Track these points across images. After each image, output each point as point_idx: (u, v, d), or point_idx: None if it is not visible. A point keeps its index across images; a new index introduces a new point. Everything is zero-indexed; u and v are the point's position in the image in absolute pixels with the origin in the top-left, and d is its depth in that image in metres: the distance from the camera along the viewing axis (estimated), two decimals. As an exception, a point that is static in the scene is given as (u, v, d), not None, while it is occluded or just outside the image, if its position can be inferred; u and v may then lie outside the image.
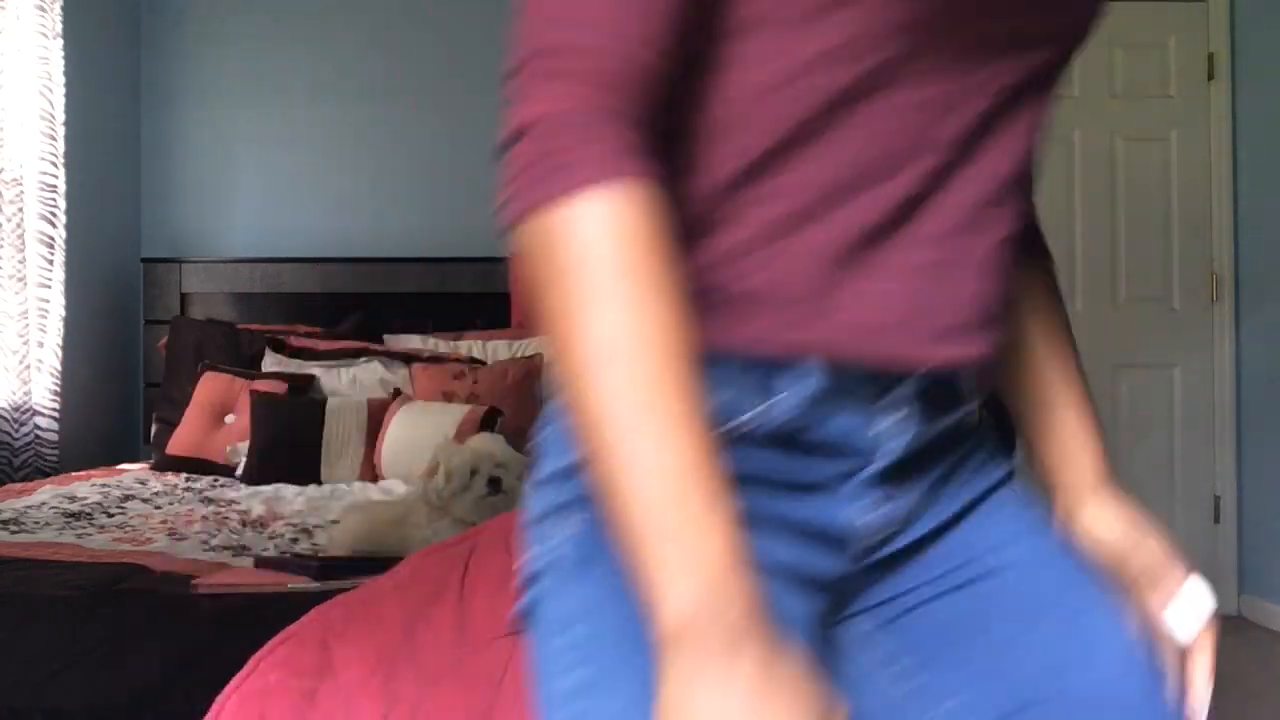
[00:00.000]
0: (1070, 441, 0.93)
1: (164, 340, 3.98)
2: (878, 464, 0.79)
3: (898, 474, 0.81)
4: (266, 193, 4.36)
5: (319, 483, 3.30)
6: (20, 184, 3.51)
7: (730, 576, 0.61)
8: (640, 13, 0.66)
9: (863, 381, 0.76)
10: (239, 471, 3.38)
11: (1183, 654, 0.86)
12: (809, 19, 0.68)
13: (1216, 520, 4.30)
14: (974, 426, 0.89)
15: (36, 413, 3.55)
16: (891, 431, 0.79)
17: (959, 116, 0.73)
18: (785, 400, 0.74)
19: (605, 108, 0.65)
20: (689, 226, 0.72)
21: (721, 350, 0.72)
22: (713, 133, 0.72)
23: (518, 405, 3.51)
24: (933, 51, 0.70)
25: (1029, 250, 0.94)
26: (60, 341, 3.65)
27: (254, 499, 2.99)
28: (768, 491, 0.76)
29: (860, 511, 0.80)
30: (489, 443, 2.27)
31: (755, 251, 0.73)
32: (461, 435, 3.08)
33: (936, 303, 0.76)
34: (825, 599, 0.80)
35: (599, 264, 0.62)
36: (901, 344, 0.75)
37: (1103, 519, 0.91)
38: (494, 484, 2.19)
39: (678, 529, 0.61)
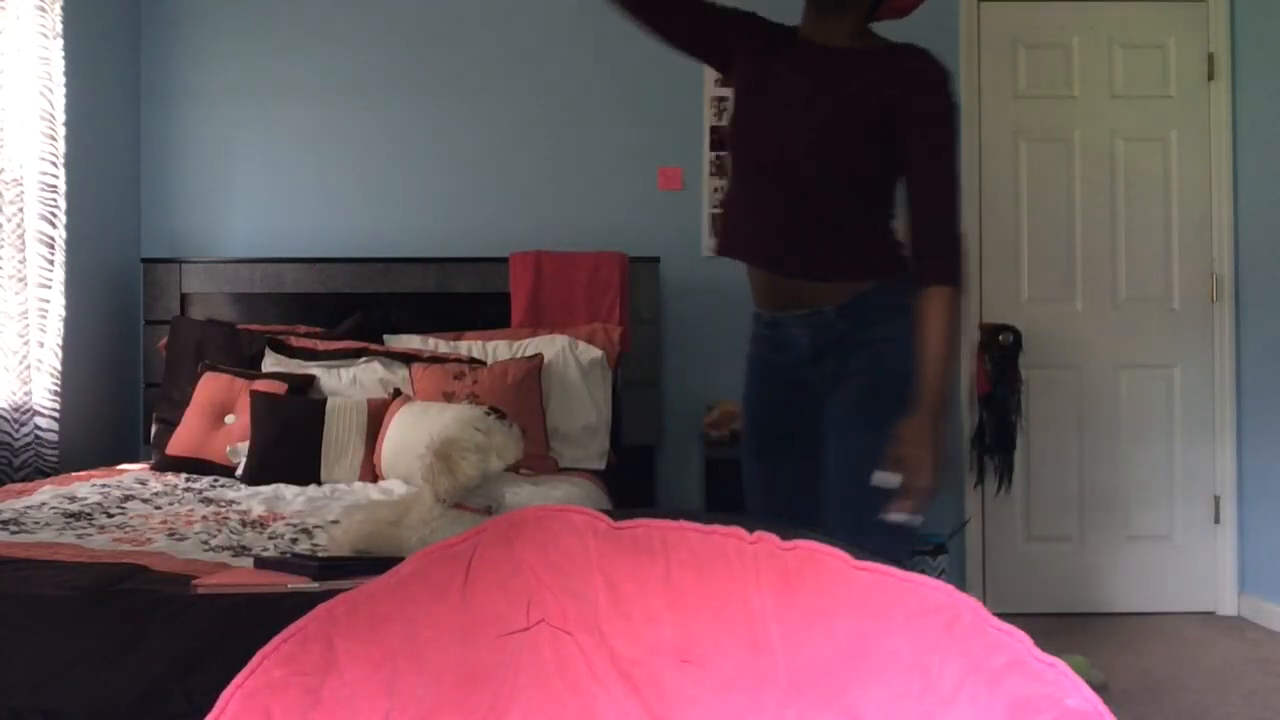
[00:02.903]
0: None
1: (164, 340, 3.98)
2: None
3: None
4: (266, 193, 4.36)
5: (319, 483, 3.30)
6: (20, 184, 3.51)
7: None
8: None
9: None
10: (239, 471, 3.38)
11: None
12: None
13: (1216, 520, 4.31)
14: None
15: (36, 413, 3.55)
16: None
17: None
18: None
19: None
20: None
21: None
22: None
23: (518, 405, 3.51)
24: None
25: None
26: (60, 341, 3.65)
27: (254, 499, 2.99)
28: None
29: None
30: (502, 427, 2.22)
31: None
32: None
33: None
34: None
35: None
36: None
37: None
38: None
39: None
